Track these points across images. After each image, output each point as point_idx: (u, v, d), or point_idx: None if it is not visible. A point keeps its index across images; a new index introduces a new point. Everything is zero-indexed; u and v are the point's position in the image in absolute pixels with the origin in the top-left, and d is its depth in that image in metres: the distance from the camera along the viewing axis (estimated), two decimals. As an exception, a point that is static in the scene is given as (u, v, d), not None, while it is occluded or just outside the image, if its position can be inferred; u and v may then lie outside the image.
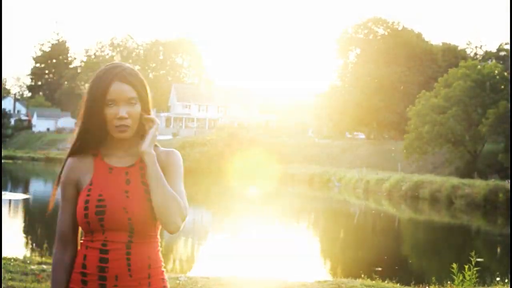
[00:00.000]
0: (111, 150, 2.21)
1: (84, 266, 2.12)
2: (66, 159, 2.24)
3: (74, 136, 2.23)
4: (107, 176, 2.17)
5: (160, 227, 2.18)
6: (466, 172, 35.29)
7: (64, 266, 2.18)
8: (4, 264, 7.60)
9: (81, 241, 2.18)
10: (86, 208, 2.11)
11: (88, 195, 2.13)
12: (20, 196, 23.42)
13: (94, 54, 76.62)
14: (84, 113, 2.17)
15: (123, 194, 2.13)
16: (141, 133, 2.20)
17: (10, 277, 6.88)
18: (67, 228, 2.19)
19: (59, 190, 2.24)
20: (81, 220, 2.12)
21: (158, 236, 2.20)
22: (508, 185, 27.28)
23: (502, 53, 53.17)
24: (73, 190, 2.19)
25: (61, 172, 2.24)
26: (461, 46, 54.87)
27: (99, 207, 2.11)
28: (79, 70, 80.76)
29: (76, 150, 2.22)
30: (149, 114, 2.19)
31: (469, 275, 7.85)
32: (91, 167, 2.19)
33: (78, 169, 2.20)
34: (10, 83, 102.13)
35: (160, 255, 2.19)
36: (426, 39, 52.42)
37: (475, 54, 57.24)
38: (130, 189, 2.14)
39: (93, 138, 2.18)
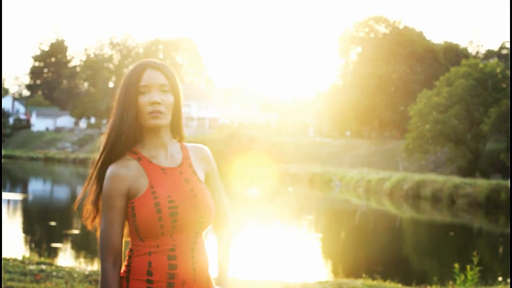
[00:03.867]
0: (153, 152, 2.17)
1: (149, 273, 2.08)
2: (103, 164, 2.14)
3: (106, 135, 2.16)
4: (164, 177, 2.14)
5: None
6: (468, 171, 35.19)
7: (118, 282, 2.12)
8: (3, 264, 7.56)
9: (134, 247, 2.12)
10: (158, 211, 2.07)
11: (155, 198, 2.08)
12: (19, 195, 23.34)
13: (94, 53, 76.63)
14: (118, 106, 2.14)
15: (190, 192, 2.14)
16: (174, 128, 2.22)
17: (9, 277, 6.85)
18: (119, 241, 2.12)
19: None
20: (153, 224, 2.07)
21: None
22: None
23: (504, 52, 53.07)
24: (122, 201, 2.11)
25: (98, 179, 2.16)
26: (462, 44, 54.80)
27: (172, 208, 2.08)
28: (78, 69, 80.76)
29: (112, 151, 2.13)
30: (180, 109, 2.22)
31: (471, 275, 7.78)
32: (141, 171, 2.13)
33: (127, 178, 2.12)
34: (9, 82, 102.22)
35: None
36: (428, 38, 52.33)
37: (477, 52, 57.17)
38: (193, 187, 2.16)
39: (128, 134, 2.13)
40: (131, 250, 2.14)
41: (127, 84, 2.15)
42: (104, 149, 2.16)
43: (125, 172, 2.12)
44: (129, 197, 2.11)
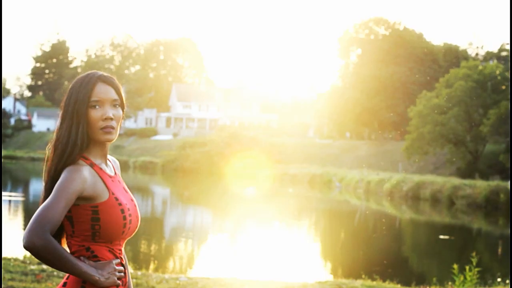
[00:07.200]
0: (98, 160, 2.22)
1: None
2: (57, 172, 2.14)
3: (54, 143, 2.18)
4: (115, 185, 2.22)
5: None
6: (467, 173, 35.21)
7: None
8: (4, 264, 7.57)
9: (94, 247, 2.15)
10: (124, 218, 2.15)
11: (120, 205, 2.16)
12: (20, 196, 23.37)
13: (95, 53, 76.69)
14: (66, 116, 2.15)
15: (132, 202, 2.24)
16: None
17: (10, 277, 6.87)
18: (58, 224, 2.05)
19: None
20: (117, 230, 2.15)
21: None
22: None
23: (504, 53, 53.07)
24: (74, 199, 2.10)
25: (51, 186, 2.15)
26: (462, 46, 54.81)
27: (130, 216, 2.18)
28: (79, 70, 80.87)
29: (63, 160, 2.15)
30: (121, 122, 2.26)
31: (470, 276, 7.82)
32: (96, 176, 2.17)
33: (87, 180, 2.13)
34: (10, 83, 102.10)
35: None
36: (427, 40, 52.34)
37: (477, 54, 57.17)
38: (131, 197, 2.26)
39: (79, 146, 2.16)
40: (89, 249, 2.14)
41: (76, 96, 2.15)
42: (56, 158, 2.16)
43: (86, 174, 2.13)
44: (87, 200, 2.12)
